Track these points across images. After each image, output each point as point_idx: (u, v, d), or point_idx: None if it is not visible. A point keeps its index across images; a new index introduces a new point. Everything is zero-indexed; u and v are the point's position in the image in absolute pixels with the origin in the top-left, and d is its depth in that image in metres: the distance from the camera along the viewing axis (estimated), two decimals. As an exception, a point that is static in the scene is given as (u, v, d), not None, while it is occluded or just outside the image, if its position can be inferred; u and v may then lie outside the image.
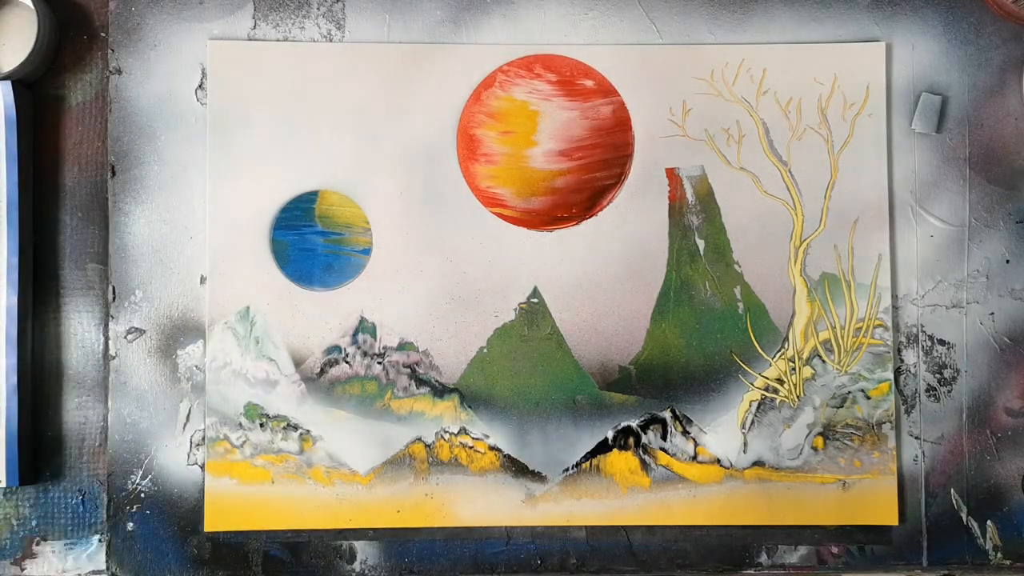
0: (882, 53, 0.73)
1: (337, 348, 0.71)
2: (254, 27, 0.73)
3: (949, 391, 0.72)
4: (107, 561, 0.70)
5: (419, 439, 0.71)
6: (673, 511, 0.71)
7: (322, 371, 0.71)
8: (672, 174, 0.73)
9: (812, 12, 0.73)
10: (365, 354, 0.71)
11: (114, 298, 0.71)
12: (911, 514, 0.71)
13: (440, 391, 0.71)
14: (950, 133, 0.73)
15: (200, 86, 0.72)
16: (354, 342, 0.71)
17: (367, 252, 0.72)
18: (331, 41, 0.73)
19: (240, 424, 0.71)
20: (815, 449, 0.72)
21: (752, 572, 0.71)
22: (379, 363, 0.71)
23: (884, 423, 0.72)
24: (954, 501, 0.72)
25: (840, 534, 0.71)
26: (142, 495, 0.70)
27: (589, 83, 0.73)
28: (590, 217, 0.72)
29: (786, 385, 0.72)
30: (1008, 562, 0.71)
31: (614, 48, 0.73)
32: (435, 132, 0.72)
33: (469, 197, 0.72)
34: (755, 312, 0.72)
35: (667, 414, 0.72)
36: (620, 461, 0.71)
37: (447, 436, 0.71)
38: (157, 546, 0.70)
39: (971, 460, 0.72)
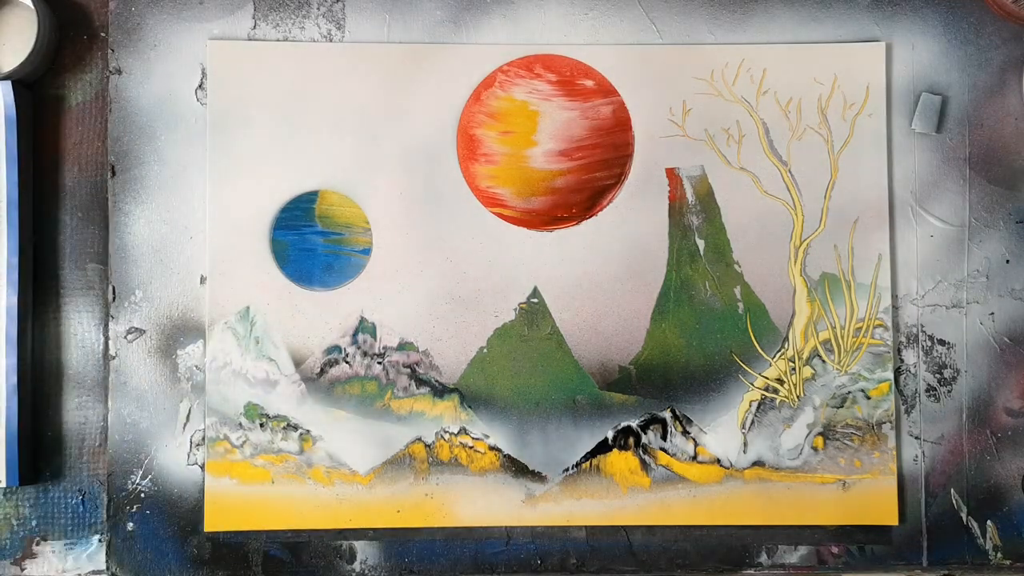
0: (882, 53, 0.73)
1: (337, 348, 0.71)
2: (254, 27, 0.73)
3: (949, 391, 0.72)
4: (107, 561, 0.70)
5: (419, 439, 0.71)
6: (673, 511, 0.71)
7: (322, 371, 0.71)
8: (672, 174, 0.73)
9: (812, 12, 0.73)
10: (365, 354, 0.71)
11: (114, 298, 0.71)
12: (911, 514, 0.71)
13: (440, 391, 0.71)
14: (950, 133, 0.73)
15: (200, 86, 0.72)
16: (354, 342, 0.71)
17: (367, 252, 0.72)
18: (331, 41, 0.73)
19: (240, 424, 0.71)
20: (815, 449, 0.71)
21: (752, 572, 0.71)
22: (379, 363, 0.71)
23: (884, 423, 0.72)
24: (954, 501, 0.72)
25: (840, 534, 0.71)
26: (142, 495, 0.70)
27: (589, 83, 0.73)
28: (590, 217, 0.72)
29: (786, 385, 0.72)
30: (1008, 562, 0.71)
31: (614, 48, 0.73)
32: (435, 132, 0.72)
33: (469, 197, 0.72)
34: (755, 312, 0.72)
35: (667, 414, 0.72)
36: (620, 461, 0.71)
37: (447, 436, 0.71)
38: (157, 546, 0.70)
39: (971, 460, 0.72)
